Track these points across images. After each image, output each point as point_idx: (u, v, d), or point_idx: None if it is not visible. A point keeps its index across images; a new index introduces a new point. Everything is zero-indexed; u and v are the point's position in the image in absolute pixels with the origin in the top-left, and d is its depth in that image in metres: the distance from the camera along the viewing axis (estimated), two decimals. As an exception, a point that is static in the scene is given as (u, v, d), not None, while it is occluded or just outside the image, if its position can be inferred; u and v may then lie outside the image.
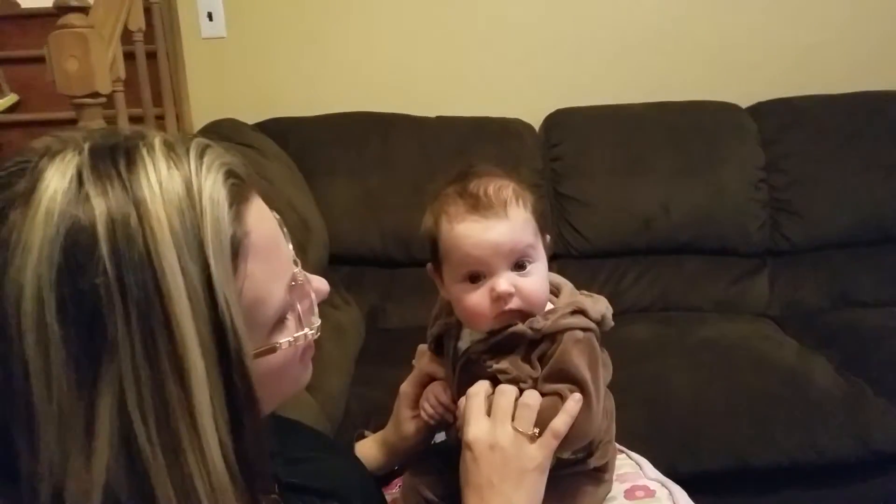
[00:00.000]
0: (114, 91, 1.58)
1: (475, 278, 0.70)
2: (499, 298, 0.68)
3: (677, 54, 2.15)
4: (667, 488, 0.79)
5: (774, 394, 1.48)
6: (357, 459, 0.77)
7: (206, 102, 2.14)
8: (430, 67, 2.15)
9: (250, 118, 1.97)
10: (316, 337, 0.53)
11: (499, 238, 0.68)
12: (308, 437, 0.74)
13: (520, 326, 0.70)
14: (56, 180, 0.41)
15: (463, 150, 1.92)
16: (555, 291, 0.76)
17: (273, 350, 0.49)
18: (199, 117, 2.11)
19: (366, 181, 1.92)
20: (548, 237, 0.75)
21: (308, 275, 0.54)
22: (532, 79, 2.15)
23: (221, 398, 0.43)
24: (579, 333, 0.70)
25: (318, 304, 0.54)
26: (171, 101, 2.06)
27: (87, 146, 0.43)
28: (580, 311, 0.71)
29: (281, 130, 1.95)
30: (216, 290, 0.42)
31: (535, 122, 2.07)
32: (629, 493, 0.77)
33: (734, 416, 1.46)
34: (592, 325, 0.71)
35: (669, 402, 1.47)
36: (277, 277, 0.49)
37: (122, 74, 1.65)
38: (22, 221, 0.40)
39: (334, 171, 1.92)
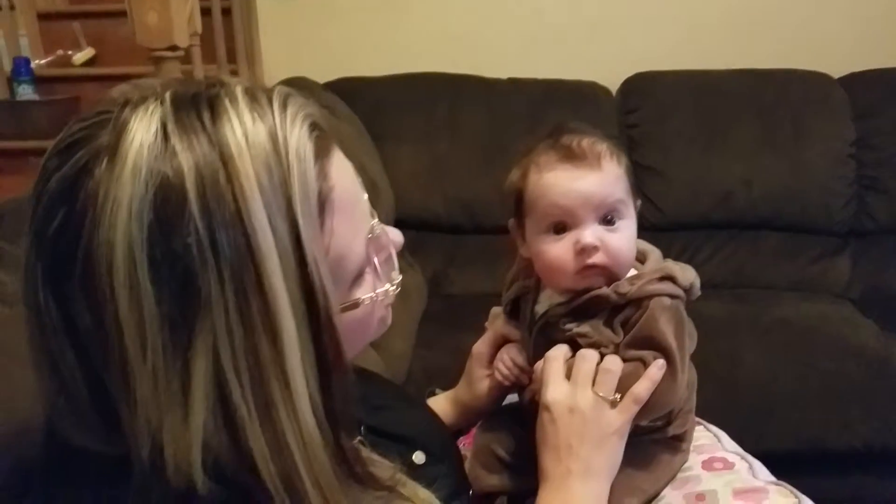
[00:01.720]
0: (191, 45, 1.61)
1: (560, 229, 0.68)
2: (583, 251, 0.67)
3: (766, 19, 2.05)
4: (746, 461, 0.76)
5: (852, 377, 1.47)
6: (434, 412, 0.78)
7: (277, 60, 2.15)
8: (503, 27, 2.10)
9: (321, 77, 1.97)
10: (397, 291, 0.53)
11: (589, 188, 0.67)
12: (387, 387, 0.75)
13: (604, 290, 0.68)
14: (141, 133, 0.40)
15: (534, 114, 1.88)
16: (640, 258, 0.73)
17: (356, 305, 0.49)
18: (271, 75, 2.14)
19: (433, 145, 1.92)
20: (639, 202, 0.73)
21: (384, 226, 0.53)
22: (610, 40, 2.09)
23: (311, 355, 0.42)
24: (667, 300, 0.68)
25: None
26: (244, 58, 2.09)
27: (168, 95, 0.42)
28: (668, 278, 0.69)
29: (350, 90, 1.95)
30: (305, 248, 0.42)
31: (612, 86, 2.01)
32: (707, 464, 0.75)
33: (808, 398, 1.45)
34: (680, 293, 0.69)
35: (740, 381, 1.45)
36: (358, 232, 0.49)
37: (199, 29, 1.68)
38: (109, 177, 0.39)
39: (401, 133, 1.92)
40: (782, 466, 0.75)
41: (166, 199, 0.39)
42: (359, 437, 0.58)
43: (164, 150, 0.39)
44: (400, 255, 0.55)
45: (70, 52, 2.46)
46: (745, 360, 1.48)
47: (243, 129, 0.41)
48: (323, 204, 0.44)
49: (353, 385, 0.46)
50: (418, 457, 0.64)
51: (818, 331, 1.56)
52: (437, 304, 1.75)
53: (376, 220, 0.52)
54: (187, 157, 0.39)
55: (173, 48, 1.50)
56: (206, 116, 0.41)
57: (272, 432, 0.41)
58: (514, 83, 1.99)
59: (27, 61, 2.27)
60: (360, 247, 0.49)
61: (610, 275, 0.68)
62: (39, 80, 2.29)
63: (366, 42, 2.13)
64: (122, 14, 1.50)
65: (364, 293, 0.50)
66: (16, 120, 2.13)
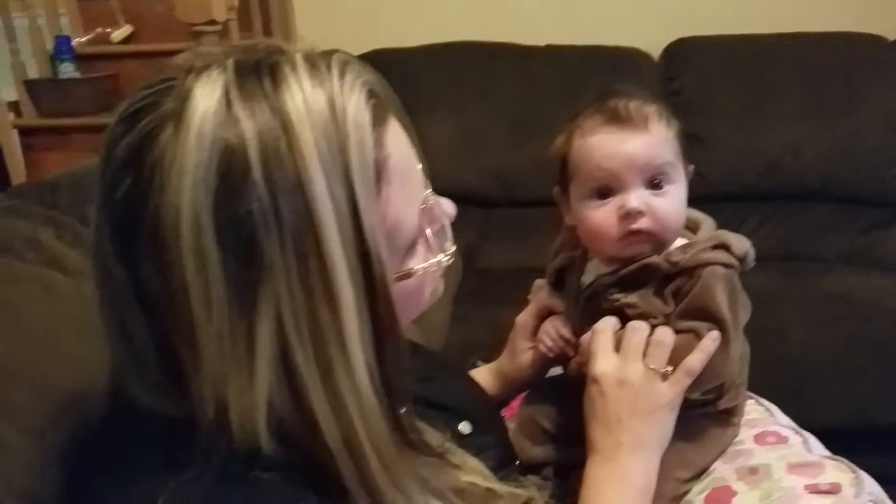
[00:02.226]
0: (228, 19, 1.62)
1: (604, 194, 0.66)
2: (627, 216, 0.65)
3: (816, -22, 1.97)
4: (800, 435, 0.74)
5: (905, 352, 1.43)
6: (478, 383, 0.78)
7: (312, 32, 2.14)
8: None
9: (355, 49, 1.95)
10: (450, 262, 0.53)
11: (634, 150, 0.65)
12: (431, 358, 0.76)
13: (655, 258, 0.67)
14: (205, 100, 0.41)
15: (572, 82, 1.84)
16: (691, 227, 0.71)
17: (409, 275, 0.49)
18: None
19: (466, 116, 1.91)
20: (690, 167, 0.70)
21: (437, 197, 0.53)
22: (652, 3, 2.04)
23: (367, 322, 0.43)
24: (721, 269, 0.66)
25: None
26: (279, 31, 2.10)
27: (230, 63, 0.42)
28: (723, 246, 0.67)
29: (384, 62, 1.93)
30: (362, 216, 0.42)
31: (654, 51, 1.97)
32: (759, 438, 0.73)
33: (857, 374, 1.43)
34: (734, 262, 0.67)
35: (788, 355, 1.43)
36: (412, 201, 0.49)
37: (236, 2, 1.68)
38: (174, 143, 0.40)
39: (434, 105, 1.91)
40: (830, 442, 0.73)
41: (230, 165, 0.40)
42: (407, 405, 0.58)
43: (228, 117, 0.40)
44: None
45: (109, 30, 2.49)
46: (793, 334, 1.46)
47: (303, 96, 0.42)
48: (379, 172, 0.45)
49: (406, 355, 0.47)
50: (464, 427, 0.64)
51: (869, 305, 1.52)
52: (471, 279, 1.74)
53: (430, 190, 0.52)
54: (249, 125, 0.40)
55: (212, 22, 1.51)
56: (268, 83, 0.41)
57: (332, 395, 0.42)
58: (551, 50, 1.95)
59: (68, 40, 2.31)
60: (414, 217, 0.49)
61: (656, 241, 0.66)
62: (80, 58, 2.32)
63: (399, 13, 2.11)
64: (159, -9, 1.51)
65: (417, 263, 0.50)
66: (59, 98, 2.18)
